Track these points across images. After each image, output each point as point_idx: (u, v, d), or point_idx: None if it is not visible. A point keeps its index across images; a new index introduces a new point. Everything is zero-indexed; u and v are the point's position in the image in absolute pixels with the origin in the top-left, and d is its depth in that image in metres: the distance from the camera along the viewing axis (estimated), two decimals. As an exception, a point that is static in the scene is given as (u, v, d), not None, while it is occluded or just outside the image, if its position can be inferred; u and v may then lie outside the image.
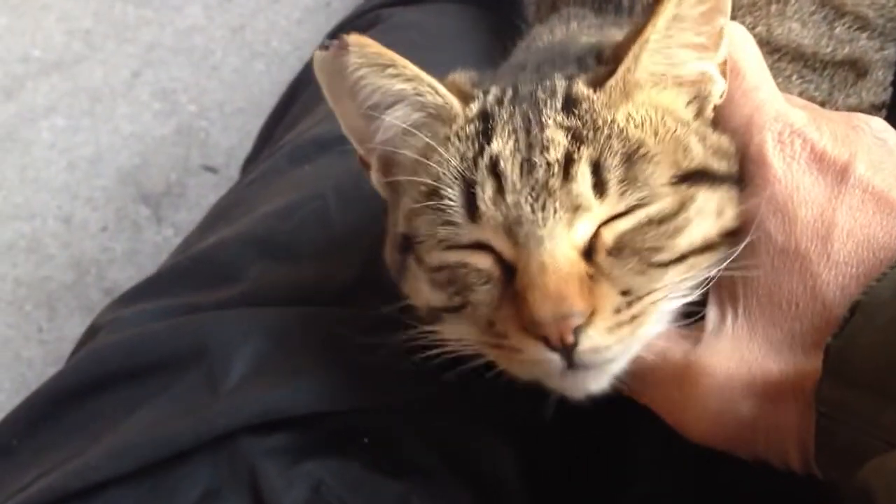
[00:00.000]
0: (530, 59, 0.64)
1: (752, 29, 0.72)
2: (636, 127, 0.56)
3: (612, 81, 0.57)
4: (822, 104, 0.73)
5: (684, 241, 0.56)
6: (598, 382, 0.57)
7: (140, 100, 1.63)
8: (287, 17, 1.71)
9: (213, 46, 1.69)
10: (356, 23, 1.10)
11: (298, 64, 1.59)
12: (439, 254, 0.58)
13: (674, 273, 0.56)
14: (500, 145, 0.56)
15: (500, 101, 0.59)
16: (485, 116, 0.58)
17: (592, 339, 0.54)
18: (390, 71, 0.58)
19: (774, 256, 0.54)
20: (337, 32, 1.12)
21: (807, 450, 0.52)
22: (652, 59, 0.57)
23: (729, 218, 0.57)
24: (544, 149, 0.55)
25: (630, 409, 0.60)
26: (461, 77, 0.63)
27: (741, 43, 0.60)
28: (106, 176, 1.55)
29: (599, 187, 0.54)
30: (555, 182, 0.54)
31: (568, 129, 0.56)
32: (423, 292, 0.60)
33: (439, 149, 0.58)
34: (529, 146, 0.56)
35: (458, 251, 0.57)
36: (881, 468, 0.45)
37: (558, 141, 0.55)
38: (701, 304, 0.57)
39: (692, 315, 0.57)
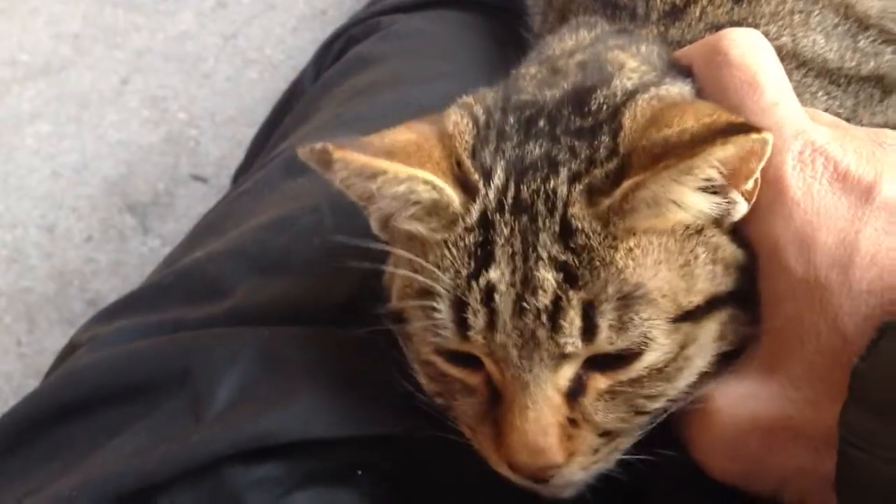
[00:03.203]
0: (541, 101, 0.59)
1: (775, 39, 0.69)
2: (637, 266, 0.52)
3: (613, 201, 0.52)
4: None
5: (681, 383, 0.55)
6: (570, 492, 0.57)
7: (128, 107, 1.60)
8: (282, 24, 1.69)
9: (205, 54, 1.66)
10: (355, 29, 1.07)
11: (292, 73, 1.57)
12: (428, 352, 0.57)
13: (662, 406, 0.55)
14: (497, 275, 0.53)
15: (501, 206, 0.54)
16: (484, 225, 0.54)
17: (566, 477, 0.55)
18: (381, 179, 0.55)
19: (794, 288, 0.51)
20: (336, 38, 1.10)
21: (828, 489, 0.49)
22: (665, 190, 0.53)
23: (729, 341, 0.55)
24: (535, 290, 0.52)
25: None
26: (462, 128, 0.59)
27: (759, 52, 0.56)
28: (91, 184, 1.52)
29: (589, 332, 0.52)
30: (542, 333, 0.52)
31: (561, 267, 0.52)
32: (414, 363, 0.60)
33: (435, 250, 0.55)
34: (524, 281, 0.53)
35: (447, 360, 0.57)
36: None
37: (549, 284, 0.52)
38: None
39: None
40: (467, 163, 0.56)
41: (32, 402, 0.69)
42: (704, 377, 0.55)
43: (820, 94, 0.69)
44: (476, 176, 0.56)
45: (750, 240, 0.55)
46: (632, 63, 0.62)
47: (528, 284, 0.52)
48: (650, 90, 0.58)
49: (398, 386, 0.60)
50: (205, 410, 0.63)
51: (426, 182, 0.55)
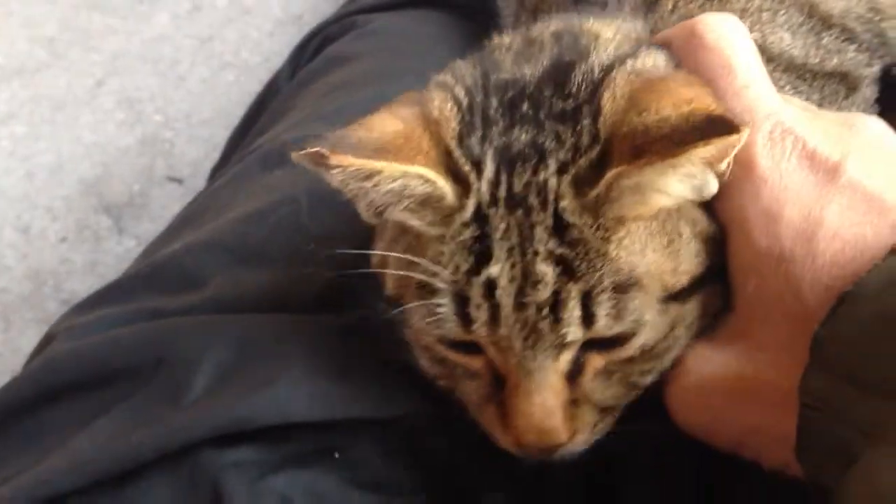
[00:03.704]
0: (521, 80, 0.60)
1: None
2: (628, 255, 0.54)
3: (600, 192, 0.54)
4: None
5: (669, 359, 0.57)
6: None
7: (104, 109, 1.60)
8: (258, 28, 1.69)
9: (181, 56, 1.66)
10: (331, 28, 1.08)
11: (268, 76, 1.55)
12: (429, 339, 0.58)
13: (653, 380, 0.58)
14: (497, 271, 0.54)
15: (495, 200, 0.55)
16: (480, 219, 0.55)
17: (569, 451, 0.58)
18: (376, 179, 0.55)
19: (760, 260, 0.53)
20: (312, 37, 1.11)
21: (782, 449, 0.51)
22: (649, 182, 0.54)
23: (710, 314, 0.58)
24: (536, 284, 0.54)
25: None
26: (447, 113, 0.59)
27: (734, 36, 0.58)
28: (66, 185, 1.51)
29: (588, 319, 0.54)
30: (544, 325, 0.54)
31: (559, 260, 0.54)
32: (413, 346, 0.61)
33: (433, 246, 0.56)
34: (524, 275, 0.54)
35: (449, 347, 0.58)
36: (863, 478, 0.44)
37: (549, 278, 0.54)
38: None
39: None
40: (456, 152, 0.57)
41: (10, 390, 0.69)
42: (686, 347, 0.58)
43: (787, 88, 0.71)
44: (467, 167, 0.57)
45: (720, 215, 0.57)
46: (607, 33, 0.63)
47: (528, 279, 0.54)
48: (627, 63, 0.59)
49: (379, 368, 0.62)
50: (183, 395, 0.64)
51: (420, 177, 0.55)
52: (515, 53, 0.63)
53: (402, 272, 0.58)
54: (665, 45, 0.62)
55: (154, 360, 0.66)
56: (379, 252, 0.62)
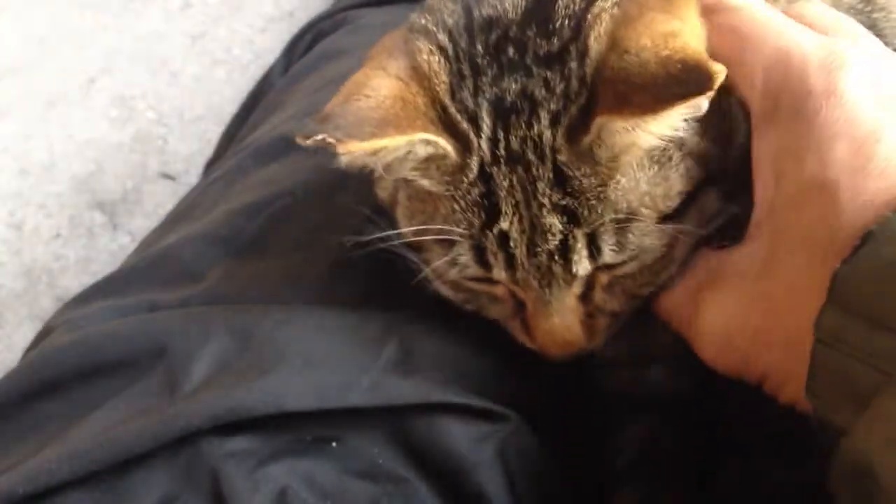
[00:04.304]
0: (504, 18, 0.60)
1: None
2: (624, 193, 0.57)
3: (593, 138, 0.56)
4: None
5: (667, 273, 0.61)
6: None
7: (96, 106, 1.60)
8: (249, 25, 1.70)
9: (173, 53, 1.66)
10: (323, 24, 1.09)
11: (259, 72, 1.57)
12: (451, 275, 0.62)
13: (653, 290, 0.63)
14: (507, 225, 0.58)
15: (496, 158, 0.58)
16: (484, 177, 0.58)
17: (589, 350, 0.65)
18: (381, 154, 0.58)
19: (801, 191, 0.53)
20: (304, 33, 1.12)
21: (797, 385, 0.52)
22: (636, 131, 0.55)
23: (708, 225, 0.60)
24: (545, 234, 0.58)
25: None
26: (435, 66, 0.60)
27: None
28: (60, 182, 1.52)
29: (595, 254, 0.58)
30: (557, 267, 0.59)
31: (563, 210, 0.57)
32: (435, 280, 0.64)
33: (445, 203, 0.59)
34: (532, 226, 0.58)
35: (471, 280, 0.62)
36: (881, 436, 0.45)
37: (556, 227, 0.57)
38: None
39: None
40: (451, 108, 0.59)
41: (9, 382, 0.70)
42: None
43: None
44: (464, 124, 0.58)
45: (757, 146, 0.57)
46: None
47: (536, 229, 0.58)
48: None
49: (374, 357, 0.64)
50: (181, 385, 0.64)
51: (423, 141, 0.57)
52: None
53: (421, 234, 0.61)
54: None
55: (152, 350, 0.67)
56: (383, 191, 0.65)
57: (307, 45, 1.10)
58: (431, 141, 0.57)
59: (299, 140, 0.57)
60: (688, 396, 0.77)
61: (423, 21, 0.63)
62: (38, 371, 0.69)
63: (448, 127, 0.59)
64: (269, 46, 1.65)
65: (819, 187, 0.52)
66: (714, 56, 0.56)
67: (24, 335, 1.36)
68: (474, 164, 0.58)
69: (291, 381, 0.63)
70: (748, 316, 0.56)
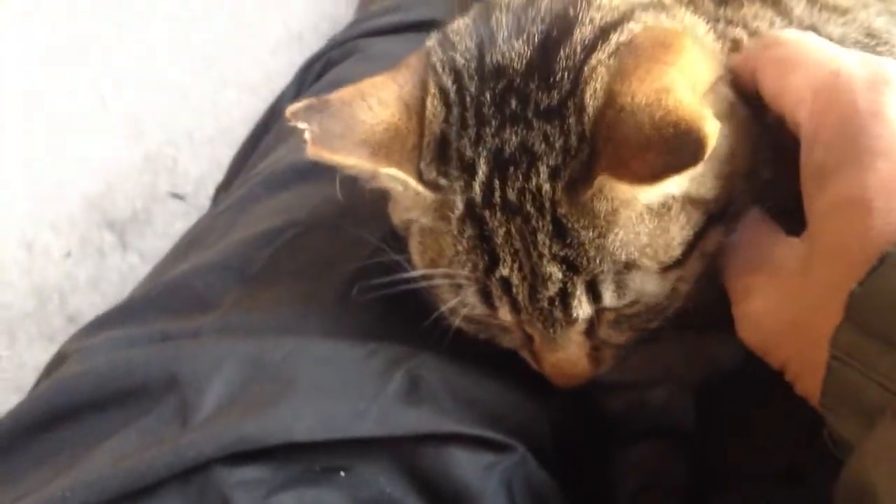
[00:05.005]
0: (511, 67, 0.62)
1: None
2: (625, 245, 0.58)
3: (594, 192, 0.57)
4: None
5: (673, 309, 0.63)
6: None
7: (107, 126, 1.61)
8: (259, 47, 1.71)
9: (184, 75, 1.67)
10: (333, 53, 1.10)
11: (270, 94, 1.58)
12: (462, 313, 0.64)
13: (659, 325, 0.64)
14: (508, 272, 0.60)
15: (490, 204, 0.59)
16: (473, 217, 0.60)
17: (596, 378, 0.67)
18: (354, 170, 0.61)
19: (841, 206, 0.54)
20: (315, 60, 1.13)
21: (810, 380, 0.54)
22: (633, 191, 0.57)
23: (712, 259, 0.62)
24: (545, 281, 0.59)
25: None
26: (432, 112, 0.62)
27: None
28: (70, 201, 1.53)
29: (595, 299, 0.60)
30: (558, 312, 0.61)
31: (563, 260, 0.59)
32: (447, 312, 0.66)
33: (447, 241, 0.61)
34: (533, 274, 0.60)
35: (481, 315, 0.64)
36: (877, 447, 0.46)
37: (556, 276, 0.59)
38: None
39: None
40: (430, 167, 0.61)
41: (23, 410, 0.71)
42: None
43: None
44: (441, 180, 0.60)
45: (804, 165, 0.57)
46: (602, 0, 0.64)
47: (537, 277, 0.59)
48: (611, 38, 0.61)
49: (381, 388, 0.65)
50: (192, 415, 0.65)
51: (392, 177, 0.60)
52: (514, 15, 0.64)
53: (431, 277, 0.63)
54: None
55: (165, 380, 0.68)
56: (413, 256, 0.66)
57: (318, 72, 1.12)
58: (400, 179, 0.60)
59: (288, 113, 0.60)
60: (690, 419, 0.78)
61: (434, 58, 0.65)
62: (52, 399, 0.70)
63: (425, 174, 0.61)
64: (279, 68, 1.66)
65: (855, 203, 0.52)
66: (763, 86, 0.60)
67: (34, 354, 1.37)
68: (459, 202, 0.60)
69: (301, 411, 0.64)
70: (782, 307, 0.57)
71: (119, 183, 1.54)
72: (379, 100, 0.62)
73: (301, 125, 0.59)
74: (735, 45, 0.68)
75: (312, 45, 1.66)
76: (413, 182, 0.60)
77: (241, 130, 1.52)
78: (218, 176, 1.44)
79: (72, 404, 0.69)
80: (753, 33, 0.70)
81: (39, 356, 1.35)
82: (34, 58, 1.68)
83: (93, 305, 1.39)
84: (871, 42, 0.79)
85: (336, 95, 0.62)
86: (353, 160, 0.59)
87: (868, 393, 0.48)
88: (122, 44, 1.71)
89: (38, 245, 1.49)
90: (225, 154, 1.48)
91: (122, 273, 1.45)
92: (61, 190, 1.54)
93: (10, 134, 1.59)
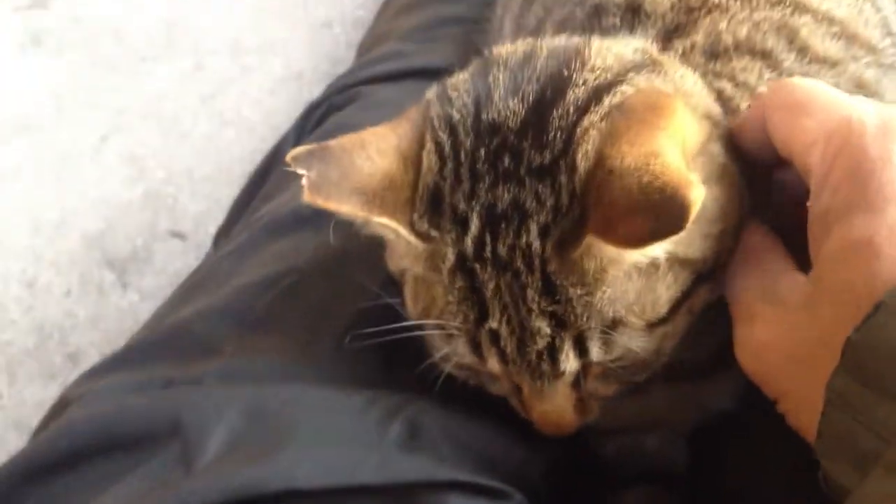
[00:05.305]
0: (505, 126, 0.63)
1: None
2: (611, 302, 0.59)
3: (583, 251, 0.58)
4: None
5: (660, 363, 0.64)
6: None
7: (107, 165, 1.62)
8: (259, 86, 1.72)
9: (183, 114, 1.69)
10: (335, 99, 1.12)
11: (269, 133, 1.61)
12: (454, 361, 0.65)
13: (647, 377, 0.65)
14: (496, 325, 0.61)
15: (481, 258, 0.61)
16: (464, 269, 0.61)
17: (582, 426, 0.68)
18: (346, 215, 0.62)
19: (849, 249, 0.54)
20: (317, 106, 1.15)
21: (803, 417, 0.56)
22: (621, 253, 0.59)
23: (699, 314, 0.63)
24: (533, 336, 0.61)
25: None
26: (427, 166, 0.63)
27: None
28: (71, 240, 1.54)
29: (583, 354, 0.61)
30: (545, 365, 0.62)
31: (551, 316, 0.60)
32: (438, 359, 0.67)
33: (439, 291, 0.63)
34: (521, 327, 0.61)
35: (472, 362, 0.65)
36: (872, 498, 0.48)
37: (544, 331, 0.60)
38: None
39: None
40: (423, 219, 0.62)
41: (27, 456, 0.72)
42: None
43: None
44: (433, 232, 0.62)
45: (813, 209, 0.58)
46: (596, 60, 0.65)
47: (525, 331, 0.60)
48: (603, 100, 0.62)
49: (380, 437, 0.66)
50: (196, 460, 0.66)
51: (384, 225, 0.61)
52: (511, 72, 0.65)
53: (425, 326, 0.65)
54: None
55: (169, 426, 0.69)
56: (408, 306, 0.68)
57: (319, 118, 1.13)
58: (392, 227, 0.61)
59: (289, 158, 0.62)
60: (682, 463, 0.80)
61: (432, 112, 0.66)
62: (57, 444, 0.71)
63: (417, 225, 0.62)
64: (277, 107, 1.68)
65: (864, 247, 0.53)
66: (773, 129, 0.61)
67: (34, 391, 1.38)
68: (450, 253, 0.61)
69: (302, 459, 0.65)
70: (784, 340, 0.58)
71: (119, 221, 1.55)
72: (378, 149, 0.63)
73: (300, 171, 0.61)
74: (719, 96, 0.69)
75: (312, 84, 1.68)
76: (404, 230, 0.61)
77: (240, 169, 1.55)
78: (217, 214, 1.46)
79: (77, 450, 0.70)
80: (739, 85, 0.71)
81: (39, 393, 1.37)
82: (35, 98, 1.70)
83: (93, 343, 1.40)
84: (861, 93, 0.81)
85: (337, 142, 0.64)
86: (346, 208, 0.61)
87: (862, 440, 0.49)
88: (121, 84, 1.73)
89: (39, 283, 1.50)
90: (224, 193, 1.51)
91: (122, 311, 1.46)
92: (62, 228, 1.55)
93: (11, 173, 1.61)
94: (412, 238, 0.62)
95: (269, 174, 1.11)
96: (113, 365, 0.81)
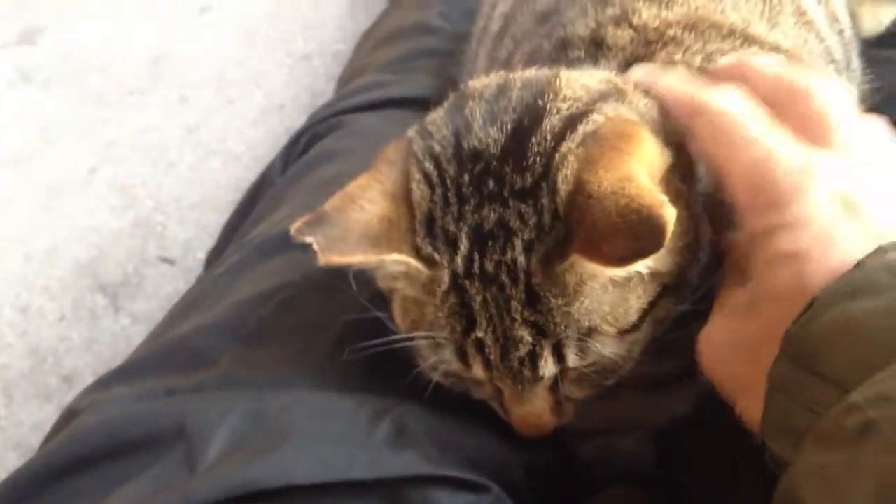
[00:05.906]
0: (487, 152, 0.67)
1: None
2: (589, 312, 0.65)
3: (566, 266, 0.63)
4: None
5: (628, 367, 0.69)
6: None
7: (97, 194, 1.66)
8: (242, 117, 1.77)
9: (170, 144, 1.73)
10: (318, 127, 1.16)
11: (252, 163, 1.67)
12: (440, 369, 0.70)
13: (616, 381, 0.70)
14: (482, 334, 0.66)
15: (470, 274, 0.65)
16: (457, 287, 0.66)
17: (559, 427, 0.72)
18: (359, 265, 0.67)
19: (781, 258, 0.61)
20: (299, 136, 1.20)
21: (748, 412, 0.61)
22: (602, 270, 0.64)
23: (664, 324, 0.69)
24: (516, 343, 0.65)
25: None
26: (418, 196, 0.68)
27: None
28: (63, 267, 1.57)
29: (559, 360, 0.66)
30: (526, 371, 0.67)
31: (533, 325, 0.65)
32: (425, 367, 0.72)
33: (429, 308, 0.67)
34: (505, 336, 0.65)
35: (457, 369, 0.69)
36: (805, 468, 0.52)
37: (526, 339, 0.65)
38: None
39: None
40: (427, 235, 0.67)
41: (39, 462, 0.75)
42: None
43: None
44: (441, 246, 0.66)
45: (748, 228, 0.64)
46: (567, 91, 0.69)
47: (508, 339, 0.65)
48: (578, 128, 0.66)
49: (371, 434, 0.71)
50: (199, 462, 0.70)
51: (396, 262, 0.66)
52: (487, 104, 0.69)
53: (414, 338, 0.70)
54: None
55: (173, 430, 0.73)
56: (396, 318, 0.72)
57: (304, 145, 1.17)
58: (402, 261, 0.66)
59: (293, 231, 0.66)
60: (652, 463, 0.85)
61: (415, 147, 0.70)
62: (70, 449, 0.74)
63: (422, 249, 0.66)
64: (259, 138, 1.73)
65: (793, 256, 0.59)
66: (698, 146, 0.67)
67: (31, 413, 1.41)
68: (446, 277, 0.65)
69: (299, 457, 0.69)
70: (732, 344, 0.64)
71: (110, 248, 1.59)
72: (368, 199, 0.68)
73: (308, 239, 0.65)
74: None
75: (293, 115, 1.73)
76: (414, 262, 0.66)
77: (225, 196, 1.61)
78: (205, 240, 1.51)
79: (86, 455, 0.74)
80: None
81: (36, 414, 1.41)
82: (25, 131, 1.73)
83: (87, 366, 1.43)
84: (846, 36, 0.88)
85: (329, 205, 0.68)
86: (359, 257, 0.65)
87: (798, 417, 0.54)
88: (109, 117, 1.77)
89: (33, 308, 1.53)
90: (211, 219, 1.56)
91: (115, 334, 1.49)
92: (54, 256, 1.59)
93: (4, 202, 1.65)
94: (421, 266, 0.66)
95: (258, 199, 1.15)
96: (116, 378, 0.84)
